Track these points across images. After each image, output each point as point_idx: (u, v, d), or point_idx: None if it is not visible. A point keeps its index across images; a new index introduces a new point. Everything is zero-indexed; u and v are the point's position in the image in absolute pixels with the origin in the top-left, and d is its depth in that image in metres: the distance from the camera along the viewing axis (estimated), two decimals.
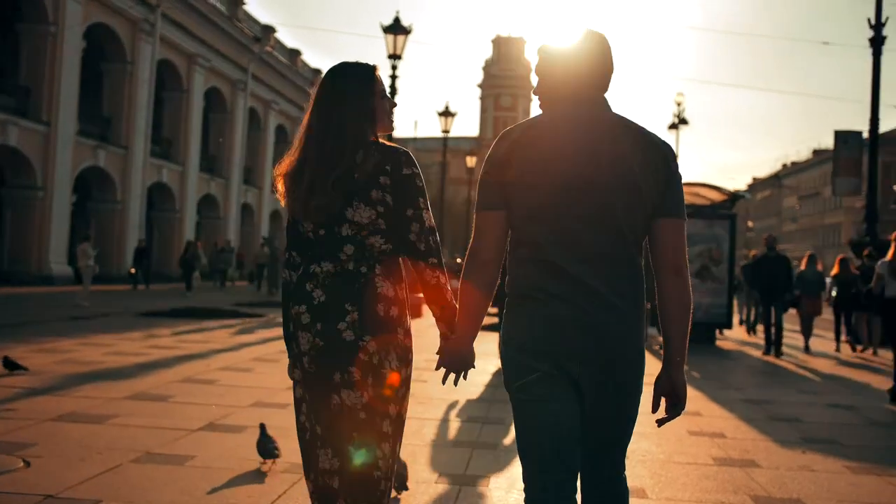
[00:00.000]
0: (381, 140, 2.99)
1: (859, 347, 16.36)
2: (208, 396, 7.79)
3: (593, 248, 2.56)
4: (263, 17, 71.26)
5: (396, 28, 22.25)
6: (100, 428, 6.25)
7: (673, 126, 42.33)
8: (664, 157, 2.63)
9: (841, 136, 22.77)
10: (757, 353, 14.75)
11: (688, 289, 2.64)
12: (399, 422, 2.97)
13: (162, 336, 13.28)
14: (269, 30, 46.75)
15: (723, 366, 12.55)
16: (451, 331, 2.92)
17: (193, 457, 5.53)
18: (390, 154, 2.91)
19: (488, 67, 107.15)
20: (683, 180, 2.74)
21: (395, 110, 3.13)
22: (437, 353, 2.91)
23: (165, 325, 15.26)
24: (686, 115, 45.08)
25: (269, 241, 35.73)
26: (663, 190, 2.62)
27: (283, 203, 3.05)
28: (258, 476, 5.18)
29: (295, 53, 51.29)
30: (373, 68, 3.03)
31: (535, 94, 2.81)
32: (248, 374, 9.38)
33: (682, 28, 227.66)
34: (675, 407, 2.66)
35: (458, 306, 2.78)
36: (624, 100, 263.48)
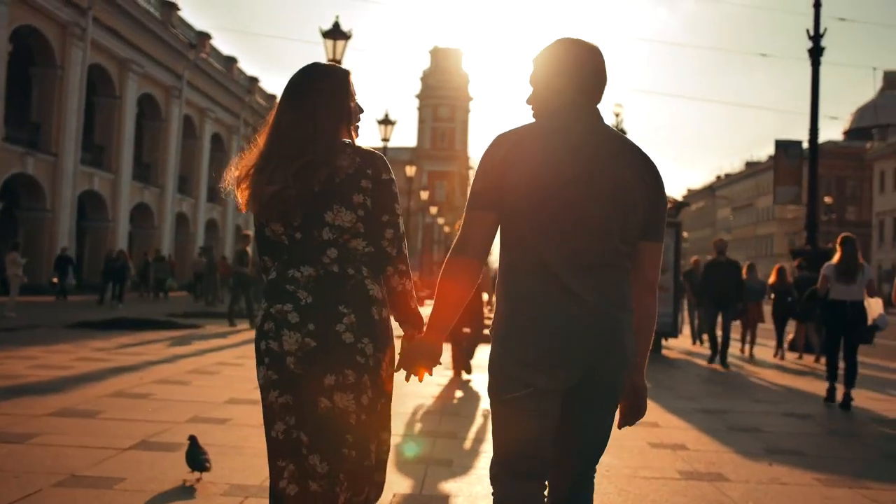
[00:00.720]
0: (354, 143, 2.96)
1: (798, 354, 16.55)
2: (141, 412, 7.27)
3: (586, 257, 2.59)
4: (198, 23, 70.03)
5: (336, 33, 21.81)
6: (19, 448, 5.72)
7: None
8: (655, 177, 2.70)
9: (782, 145, 22.97)
10: (702, 362, 14.60)
11: (656, 303, 2.80)
12: (388, 419, 2.98)
13: (92, 348, 12.60)
14: (204, 36, 45.95)
15: (671, 375, 12.35)
16: (414, 331, 2.96)
17: (123, 479, 5.04)
18: (371, 157, 2.88)
19: (426, 78, 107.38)
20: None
21: (362, 117, 3.07)
22: (400, 354, 2.88)
23: (96, 336, 14.57)
24: (624, 126, 45.44)
25: (207, 251, 34.90)
26: (651, 211, 2.69)
27: (243, 208, 2.95)
28: (195, 499, 4.72)
29: (231, 61, 50.55)
30: (348, 71, 2.99)
31: (528, 103, 2.83)
32: (184, 388, 8.84)
33: (622, 38, 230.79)
34: (635, 410, 2.81)
35: (436, 299, 2.72)
36: None
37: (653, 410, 7.99)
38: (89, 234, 37.33)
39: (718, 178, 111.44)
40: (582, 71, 2.73)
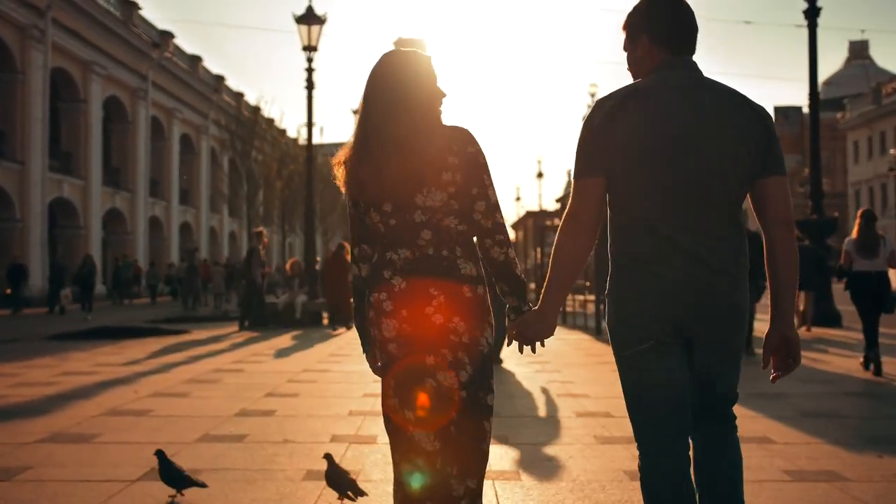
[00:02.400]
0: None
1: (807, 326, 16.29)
2: (142, 432, 6.38)
3: (698, 213, 2.57)
4: (160, 22, 68.33)
5: (310, 18, 20.94)
6: (6, 488, 4.84)
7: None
8: (762, 117, 2.67)
9: (781, 111, 22.56)
10: None
11: (796, 243, 2.70)
12: (487, 396, 2.97)
13: (76, 360, 11.66)
14: (167, 35, 44.76)
15: None
16: (522, 302, 2.94)
17: None
18: (454, 133, 2.89)
19: None
20: None
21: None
22: (511, 326, 2.89)
23: (77, 348, 13.58)
24: None
25: (190, 254, 33.85)
26: (765, 149, 2.63)
27: (344, 190, 3.01)
28: None
29: (196, 59, 49.39)
30: (429, 56, 2.99)
31: (641, 52, 2.79)
32: (185, 401, 7.93)
33: (592, 10, 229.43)
34: (789, 362, 2.71)
35: (550, 269, 2.74)
36: (540, 84, 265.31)
37: None
38: (61, 243, 36.35)
39: None
40: (682, 20, 2.75)
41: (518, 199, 77.09)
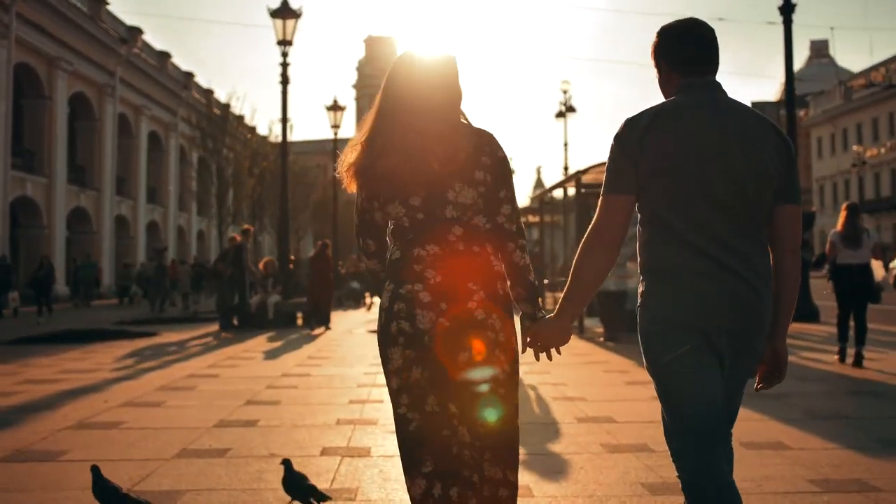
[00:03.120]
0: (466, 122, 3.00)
1: None
2: (115, 448, 5.88)
3: (728, 229, 2.65)
4: (128, 17, 67.43)
5: (285, 12, 20.42)
6: None
7: (560, 114, 41.75)
8: (786, 143, 2.76)
9: (757, 107, 22.13)
10: None
11: (799, 265, 2.81)
12: (517, 395, 2.99)
13: (40, 367, 11.08)
14: (135, 31, 43.97)
15: None
16: (535, 308, 2.97)
17: None
18: (486, 136, 2.94)
19: (362, 67, 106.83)
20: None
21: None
22: (527, 333, 2.95)
23: (40, 353, 13.02)
24: (574, 103, 44.70)
25: (159, 254, 33.13)
26: (786, 176, 2.73)
27: (349, 187, 3.02)
28: None
29: (165, 56, 48.64)
30: (454, 56, 3.02)
31: (663, 77, 2.90)
32: (159, 411, 7.44)
33: (564, 8, 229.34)
34: (776, 375, 2.84)
35: (571, 280, 2.80)
36: (511, 81, 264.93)
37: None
38: (23, 242, 35.49)
39: None
40: (708, 40, 2.83)
41: None
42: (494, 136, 2.95)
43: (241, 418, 6.86)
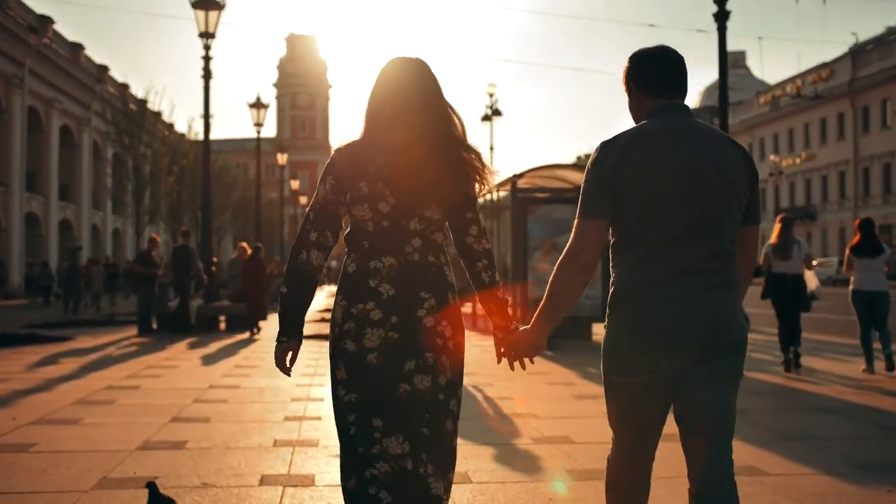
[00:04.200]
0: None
1: None
2: (26, 476, 5.24)
3: (701, 250, 2.73)
4: (38, 5, 64.77)
5: (208, 3, 19.66)
6: None
7: (486, 118, 41.57)
8: (753, 167, 2.86)
9: (693, 113, 22.04)
10: None
11: (750, 280, 3.03)
12: (459, 404, 3.04)
13: None
14: (46, 20, 42.33)
15: None
16: (507, 321, 3.05)
17: None
18: (468, 155, 3.00)
19: (283, 66, 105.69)
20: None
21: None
22: (500, 344, 3.03)
23: None
24: (500, 106, 44.57)
25: (73, 253, 31.77)
26: (752, 197, 2.85)
27: (325, 192, 2.94)
28: None
29: (77, 47, 47.07)
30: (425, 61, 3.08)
31: (633, 101, 2.97)
32: (75, 430, 6.76)
33: (499, 9, 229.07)
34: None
35: (546, 299, 2.85)
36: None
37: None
38: None
39: None
40: (678, 66, 2.90)
41: None
42: (479, 155, 3.01)
43: (168, 438, 6.29)
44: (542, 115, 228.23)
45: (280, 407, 7.77)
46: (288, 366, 2.97)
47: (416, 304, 2.88)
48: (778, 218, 11.27)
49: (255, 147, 33.62)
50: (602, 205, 2.76)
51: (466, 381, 9.59)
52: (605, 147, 2.79)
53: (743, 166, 2.79)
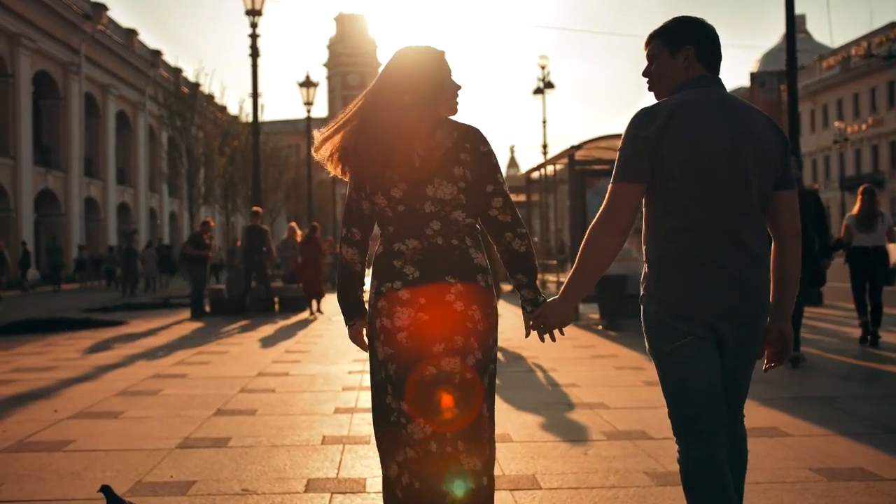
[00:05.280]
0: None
1: None
2: (55, 481, 4.84)
3: (737, 219, 2.75)
4: None
5: None
6: None
7: (538, 91, 40.76)
8: (784, 137, 2.89)
9: (757, 78, 21.17)
10: None
11: (800, 248, 2.95)
12: (493, 380, 3.03)
13: None
14: (100, 7, 42.45)
15: None
16: (536, 293, 3.05)
17: None
18: (468, 131, 3.00)
19: (333, 46, 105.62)
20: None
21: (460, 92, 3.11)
22: (529, 317, 3.04)
23: None
24: (552, 79, 43.76)
25: (129, 237, 31.89)
26: (785, 164, 2.88)
27: (337, 172, 3.09)
28: None
29: (131, 33, 47.19)
30: (443, 51, 3.07)
31: (679, 63, 2.91)
32: (115, 424, 6.36)
33: None
34: (782, 355, 2.94)
35: (577, 265, 2.85)
36: (485, 56, 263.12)
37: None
38: None
39: None
40: (718, 44, 2.97)
41: None
42: (478, 130, 3.00)
43: (210, 435, 5.86)
44: (590, 88, 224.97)
45: (331, 397, 7.31)
46: (364, 341, 3.11)
47: (443, 289, 2.92)
48: (860, 189, 10.86)
49: (307, 126, 33.19)
50: (641, 170, 2.75)
51: (525, 367, 9.18)
52: (649, 113, 2.79)
53: (776, 138, 2.84)
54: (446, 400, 2.88)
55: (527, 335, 3.09)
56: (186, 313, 17.27)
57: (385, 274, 2.97)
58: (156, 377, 8.72)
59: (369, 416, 6.19)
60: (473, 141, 2.96)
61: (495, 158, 3.03)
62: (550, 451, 5.28)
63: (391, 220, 2.98)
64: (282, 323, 15.32)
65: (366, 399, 7.11)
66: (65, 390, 8.03)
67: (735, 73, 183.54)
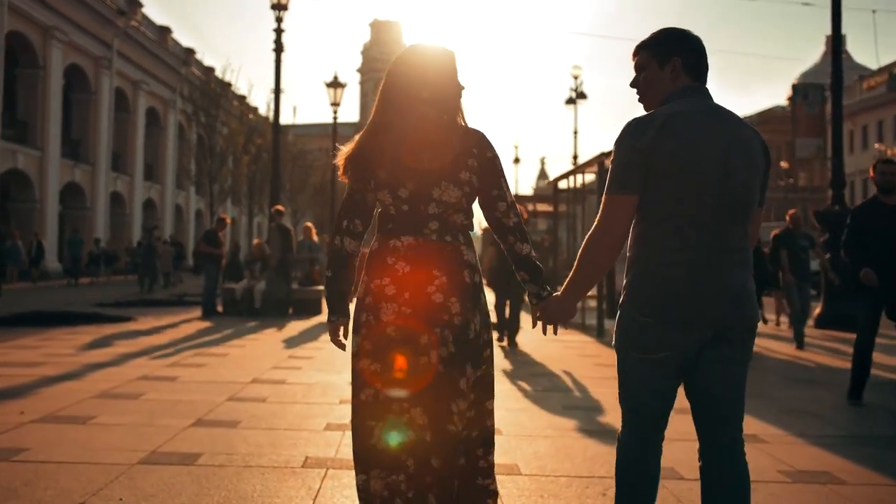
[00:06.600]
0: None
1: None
2: (24, 494, 4.29)
3: (729, 231, 2.78)
4: None
5: None
6: None
7: (570, 101, 40.09)
8: (768, 152, 2.96)
9: (800, 90, 20.38)
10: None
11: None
12: (482, 382, 3.06)
13: None
14: (134, 3, 42.32)
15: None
16: (540, 288, 3.12)
17: None
18: (475, 135, 3.07)
19: (367, 51, 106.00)
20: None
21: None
22: (535, 310, 3.12)
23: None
24: (584, 89, 43.07)
25: (148, 232, 31.56)
26: (764, 181, 2.94)
27: (349, 166, 3.08)
28: None
29: (164, 30, 47.07)
30: (453, 52, 3.09)
31: (665, 75, 2.94)
32: (81, 431, 5.73)
33: None
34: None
35: (574, 272, 2.88)
36: (517, 66, 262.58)
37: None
38: (14, 217, 34.25)
39: None
40: (705, 55, 2.98)
41: None
42: (484, 135, 3.08)
43: (180, 449, 5.21)
44: (623, 99, 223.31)
45: (324, 411, 6.63)
46: (342, 341, 3.14)
47: (427, 282, 2.95)
48: None
49: (332, 128, 32.67)
50: (635, 180, 2.76)
51: (544, 384, 8.44)
52: (642, 122, 2.80)
53: (762, 152, 2.89)
54: (430, 393, 2.92)
55: (534, 325, 3.15)
56: (198, 311, 16.74)
57: (376, 270, 3.02)
58: (143, 379, 8.10)
59: None
60: (480, 146, 3.04)
61: (500, 163, 3.11)
62: (563, 490, 4.59)
63: (393, 217, 3.03)
64: (294, 325, 14.71)
65: None
66: (42, 389, 7.43)
67: (775, 87, 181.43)
